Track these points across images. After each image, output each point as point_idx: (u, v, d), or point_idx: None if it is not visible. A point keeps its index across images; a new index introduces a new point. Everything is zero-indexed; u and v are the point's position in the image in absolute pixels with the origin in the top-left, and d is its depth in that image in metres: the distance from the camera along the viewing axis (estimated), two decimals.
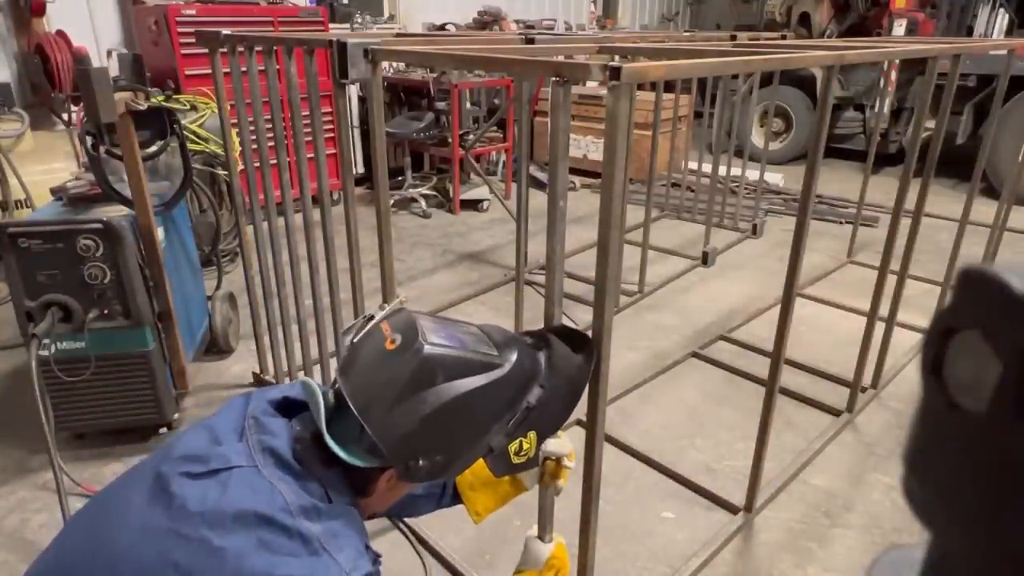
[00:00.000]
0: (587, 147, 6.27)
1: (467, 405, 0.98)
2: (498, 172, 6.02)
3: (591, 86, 5.96)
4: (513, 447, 1.07)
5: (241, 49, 2.15)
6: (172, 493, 0.90)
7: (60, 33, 4.07)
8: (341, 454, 0.96)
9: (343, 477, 0.99)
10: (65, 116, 4.08)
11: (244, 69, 2.19)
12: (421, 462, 0.98)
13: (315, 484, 0.95)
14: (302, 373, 2.62)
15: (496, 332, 1.07)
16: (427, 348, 0.97)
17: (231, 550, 0.84)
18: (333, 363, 2.03)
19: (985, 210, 3.71)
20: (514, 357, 1.03)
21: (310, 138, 2.16)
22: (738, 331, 3.34)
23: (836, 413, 2.65)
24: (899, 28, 6.20)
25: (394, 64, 5.60)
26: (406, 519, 2.02)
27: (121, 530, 0.90)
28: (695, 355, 3.11)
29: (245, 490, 0.89)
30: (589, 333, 1.30)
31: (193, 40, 2.68)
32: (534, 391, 1.06)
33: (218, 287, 3.08)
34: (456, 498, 1.34)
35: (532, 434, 1.07)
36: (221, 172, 3.73)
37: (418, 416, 0.96)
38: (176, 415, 2.42)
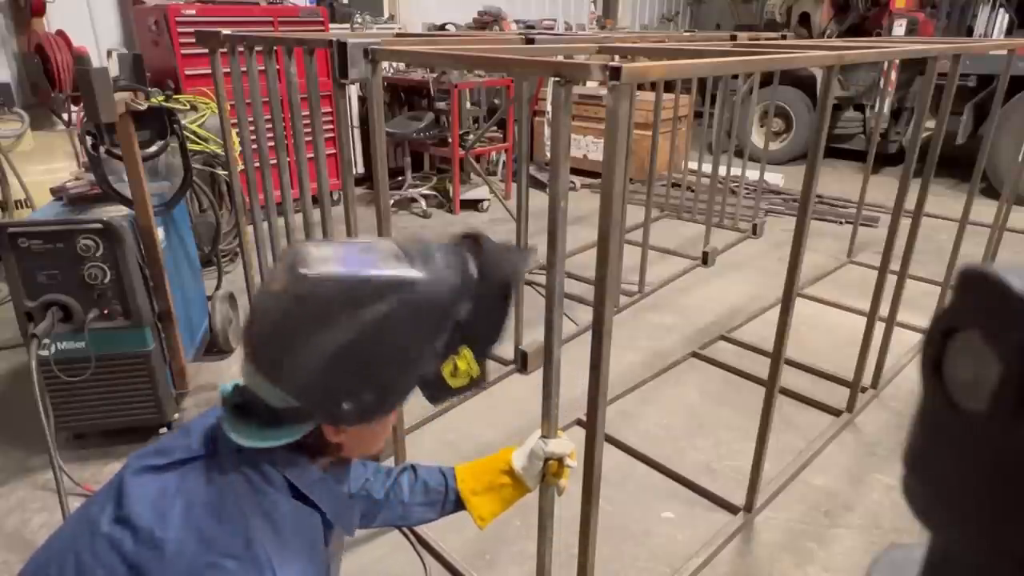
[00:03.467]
0: (587, 147, 6.27)
1: (378, 333, 0.86)
2: (498, 172, 6.02)
3: (591, 86, 5.96)
4: (447, 369, 0.94)
5: (241, 49, 2.15)
6: (124, 488, 0.91)
7: (60, 33, 4.07)
8: (247, 443, 0.89)
9: (292, 453, 0.93)
10: (65, 116, 4.08)
11: (244, 69, 2.19)
12: (346, 406, 0.88)
13: (273, 471, 0.91)
14: None
15: (413, 244, 0.94)
16: (311, 276, 0.85)
17: (172, 543, 0.84)
18: None
19: (985, 210, 3.71)
20: (433, 270, 0.89)
21: (310, 138, 2.16)
22: (738, 331, 3.34)
23: (836, 413, 2.65)
24: (899, 28, 6.20)
25: (394, 64, 5.60)
26: None
27: (77, 523, 0.93)
28: (695, 355, 3.11)
29: (199, 482, 0.89)
30: (589, 333, 1.29)
31: (193, 40, 2.68)
32: (463, 304, 0.92)
33: (218, 287, 3.08)
34: (459, 504, 1.32)
35: (466, 351, 0.94)
36: (221, 172, 3.73)
37: (323, 357, 0.85)
38: (176, 415, 2.42)
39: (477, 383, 0.97)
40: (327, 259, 0.87)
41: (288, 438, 0.90)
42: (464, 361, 0.95)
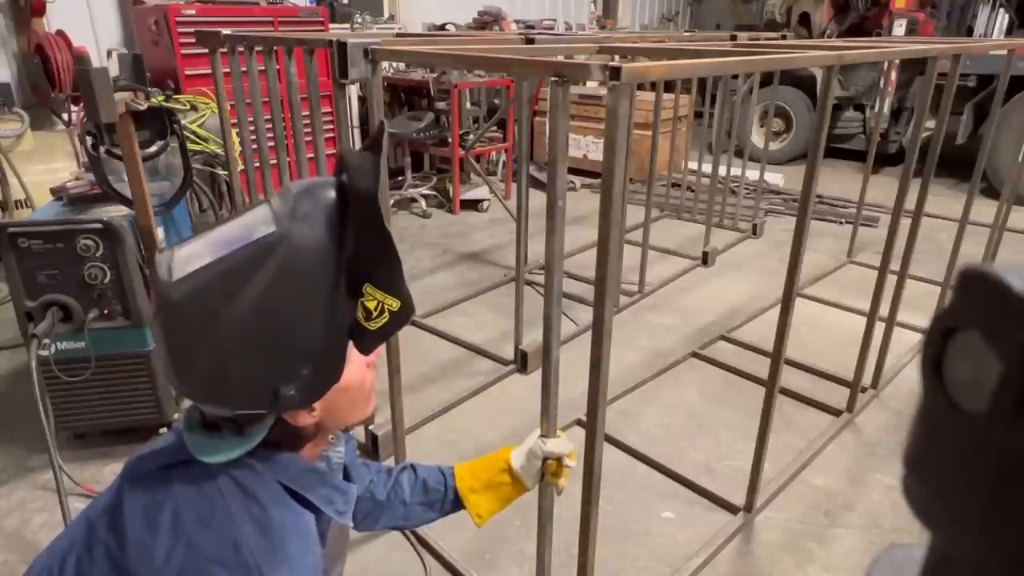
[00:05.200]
0: (587, 147, 6.27)
1: (272, 305, 0.81)
2: (498, 172, 6.02)
3: (591, 86, 5.96)
4: (360, 316, 0.88)
5: (241, 49, 2.15)
6: (120, 494, 0.91)
7: (60, 33, 4.07)
8: (213, 459, 0.87)
9: (270, 450, 0.91)
10: (65, 116, 4.08)
11: (244, 69, 2.19)
12: (286, 391, 0.84)
13: (259, 472, 0.89)
14: None
15: (281, 198, 0.87)
16: (175, 281, 0.80)
17: (161, 550, 0.84)
18: None
19: (985, 210, 3.71)
20: (299, 216, 0.83)
21: (310, 138, 2.16)
22: (738, 331, 3.34)
23: (836, 413, 2.65)
24: (899, 28, 6.20)
25: (394, 64, 5.60)
26: None
27: (79, 525, 0.94)
28: (695, 355, 3.11)
29: (188, 488, 0.88)
30: (589, 333, 1.29)
31: (193, 40, 2.68)
32: (347, 240, 0.85)
33: None
34: (458, 503, 1.31)
35: (370, 288, 0.87)
36: (221, 172, 3.73)
37: (231, 357, 0.81)
38: (176, 415, 2.42)
39: (403, 316, 0.90)
40: (190, 257, 0.82)
41: (251, 442, 0.87)
42: (373, 300, 0.88)
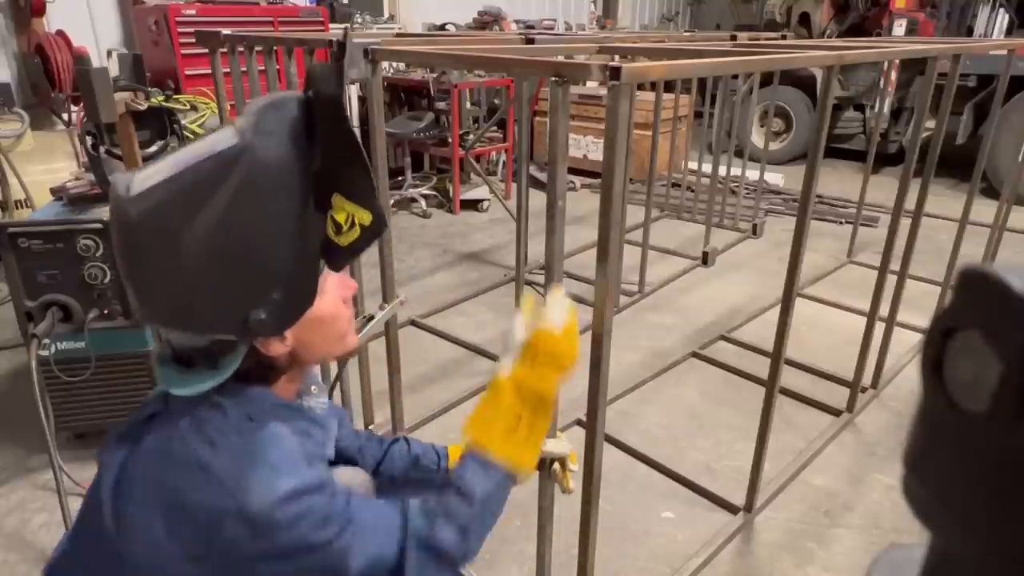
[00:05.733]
0: (587, 147, 6.27)
1: (238, 219, 0.77)
2: (498, 172, 6.02)
3: (591, 86, 5.96)
4: (331, 230, 0.85)
5: (241, 49, 2.15)
6: (99, 470, 0.92)
7: (60, 33, 4.07)
8: (185, 392, 0.85)
9: (241, 384, 0.88)
10: (65, 116, 4.08)
11: (244, 69, 2.19)
12: (255, 315, 0.81)
13: (222, 405, 0.87)
14: None
15: (243, 115, 0.84)
16: (135, 195, 0.76)
17: (136, 508, 0.85)
18: (333, 363, 2.03)
19: (985, 210, 3.71)
20: (264, 127, 0.80)
21: None
22: (738, 331, 3.34)
23: (836, 413, 2.65)
24: (899, 28, 6.20)
25: (394, 64, 5.60)
26: None
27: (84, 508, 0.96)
28: (695, 355, 3.11)
29: (153, 438, 0.88)
30: (589, 333, 1.30)
31: (193, 40, 2.68)
32: (314, 154, 0.82)
33: None
34: None
35: (339, 199, 0.83)
36: None
37: (196, 275, 0.78)
38: None
39: (374, 230, 0.86)
40: (151, 174, 0.78)
41: (223, 374, 0.85)
42: (342, 212, 0.84)
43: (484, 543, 1.00)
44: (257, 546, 0.81)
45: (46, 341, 2.09)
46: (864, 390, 2.74)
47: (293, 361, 0.92)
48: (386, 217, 0.87)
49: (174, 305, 0.80)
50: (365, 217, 0.85)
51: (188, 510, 0.82)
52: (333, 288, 0.92)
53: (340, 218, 0.84)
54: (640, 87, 4.79)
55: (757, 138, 6.41)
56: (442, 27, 6.05)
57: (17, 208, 3.64)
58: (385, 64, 3.94)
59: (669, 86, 4.43)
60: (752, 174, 5.07)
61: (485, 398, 1.03)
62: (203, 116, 3.85)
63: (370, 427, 2.36)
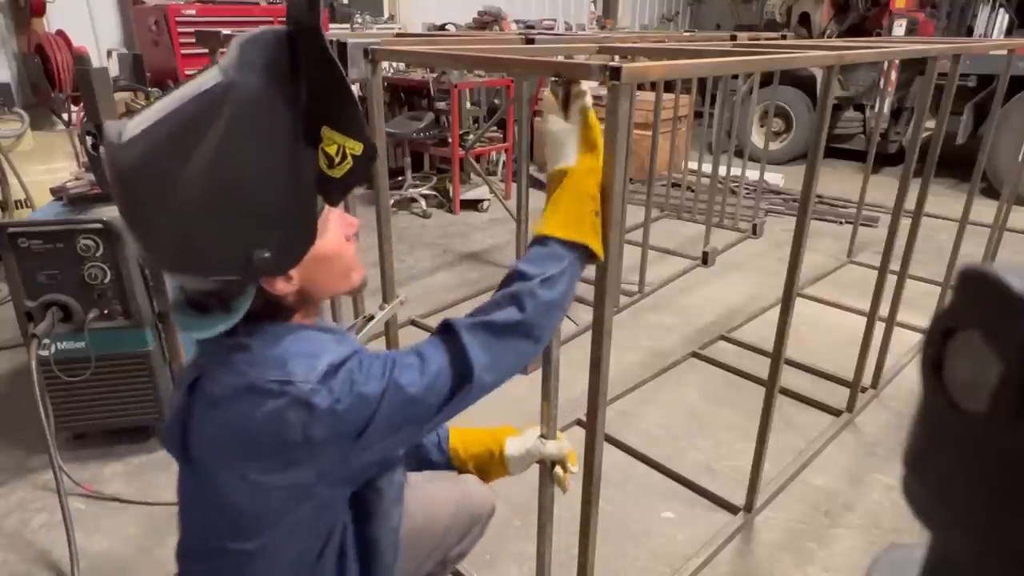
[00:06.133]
0: None
1: (232, 156, 0.78)
2: (498, 172, 6.02)
3: (591, 86, 5.95)
4: (323, 164, 0.85)
5: None
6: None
7: (60, 33, 4.07)
8: (204, 334, 0.88)
9: (254, 324, 0.90)
10: (65, 116, 4.08)
11: None
12: (259, 253, 0.82)
13: (245, 343, 0.89)
14: None
15: (233, 48, 0.82)
16: (127, 140, 0.78)
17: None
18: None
19: (985, 210, 3.71)
20: (248, 68, 0.79)
21: None
22: (738, 331, 3.34)
23: (836, 413, 2.65)
24: (899, 28, 6.20)
25: (394, 64, 5.60)
26: None
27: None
28: (695, 355, 3.11)
29: (197, 397, 0.92)
30: (589, 333, 1.29)
31: (193, 40, 2.68)
32: (299, 88, 0.81)
33: None
34: (447, 464, 1.34)
35: (329, 132, 0.83)
36: None
37: (196, 215, 0.79)
38: None
39: (366, 160, 0.86)
40: (141, 121, 0.79)
41: (237, 315, 0.87)
42: (333, 144, 0.84)
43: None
44: (329, 424, 0.84)
45: (46, 341, 2.09)
46: (864, 390, 2.74)
47: (302, 299, 0.94)
48: (375, 146, 0.87)
49: (177, 248, 0.81)
50: (356, 147, 0.85)
51: (256, 432, 0.84)
52: (335, 226, 0.93)
53: (331, 150, 0.84)
54: (640, 87, 4.79)
55: (757, 138, 6.41)
56: (442, 27, 6.05)
57: (17, 208, 3.64)
58: (385, 64, 3.94)
59: (669, 86, 4.43)
60: (752, 174, 5.07)
61: (564, 189, 1.03)
62: None
63: None
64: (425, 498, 1.26)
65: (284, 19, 0.84)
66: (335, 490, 0.96)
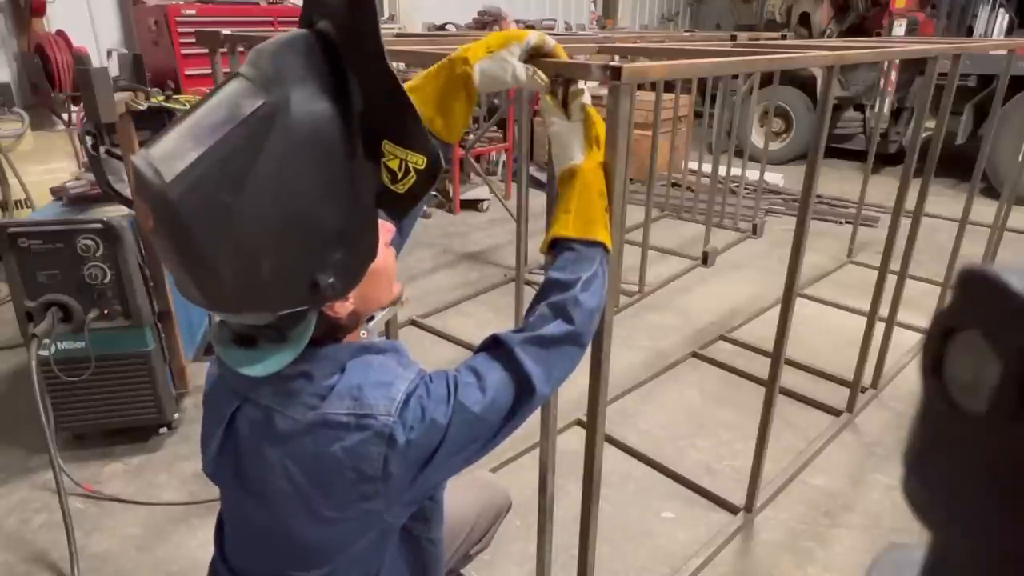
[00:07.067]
0: None
1: (287, 188, 0.72)
2: (498, 172, 6.02)
3: (591, 86, 5.95)
4: (386, 179, 0.80)
5: (241, 49, 2.15)
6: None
7: (60, 33, 4.08)
8: (263, 372, 0.81)
9: (314, 349, 0.85)
10: (65, 116, 4.08)
11: None
12: (323, 279, 0.77)
13: (318, 372, 0.86)
14: None
15: (249, 65, 0.76)
16: (169, 181, 0.68)
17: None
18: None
19: (985, 210, 3.71)
20: (292, 81, 0.72)
21: None
22: (738, 331, 3.34)
23: (836, 413, 2.65)
24: (899, 28, 6.20)
25: (394, 64, 5.60)
26: None
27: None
28: (695, 355, 3.11)
29: (258, 418, 0.89)
30: None
31: (193, 40, 2.68)
32: (352, 93, 0.75)
33: None
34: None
35: (389, 145, 0.78)
36: None
37: (254, 254, 0.72)
38: (176, 415, 2.42)
39: (432, 173, 0.80)
40: (174, 154, 0.70)
41: (300, 345, 0.81)
42: (395, 159, 0.78)
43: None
44: (404, 455, 0.82)
45: (46, 341, 2.09)
46: (864, 390, 2.74)
47: (356, 319, 0.91)
48: (441, 157, 0.81)
49: (240, 287, 0.74)
50: (420, 161, 0.79)
51: (332, 468, 0.82)
52: (380, 236, 0.87)
53: (393, 165, 0.79)
54: (640, 87, 4.79)
55: (757, 138, 6.41)
56: (442, 27, 6.05)
57: (17, 208, 3.64)
58: None
59: (669, 86, 4.43)
60: (752, 174, 5.07)
61: (575, 188, 1.00)
62: None
63: None
64: (453, 497, 1.25)
65: (298, 19, 0.80)
66: (401, 513, 0.94)
